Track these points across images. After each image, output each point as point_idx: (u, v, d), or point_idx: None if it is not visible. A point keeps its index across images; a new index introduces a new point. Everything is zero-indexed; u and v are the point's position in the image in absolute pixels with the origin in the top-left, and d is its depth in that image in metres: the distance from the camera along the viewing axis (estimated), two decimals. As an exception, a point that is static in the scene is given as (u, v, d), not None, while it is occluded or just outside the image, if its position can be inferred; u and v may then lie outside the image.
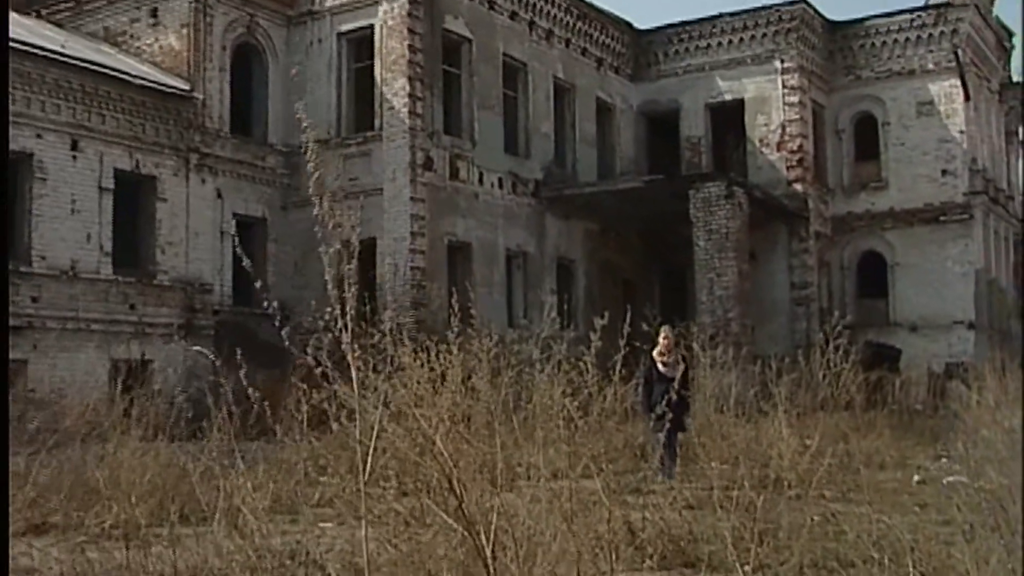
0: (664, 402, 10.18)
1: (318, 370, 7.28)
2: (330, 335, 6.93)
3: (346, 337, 6.66)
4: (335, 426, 7.37)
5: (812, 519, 9.33)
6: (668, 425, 11.23)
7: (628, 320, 9.23)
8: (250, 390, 7.68)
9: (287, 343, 7.26)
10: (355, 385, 6.46)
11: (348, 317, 6.88)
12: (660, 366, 15.11)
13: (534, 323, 17.18)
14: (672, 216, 30.87)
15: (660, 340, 15.26)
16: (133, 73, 25.49)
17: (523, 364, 12.67)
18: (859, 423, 17.57)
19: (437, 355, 8.81)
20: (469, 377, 9.96)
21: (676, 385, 11.31)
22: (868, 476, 13.27)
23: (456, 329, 9.44)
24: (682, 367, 15.05)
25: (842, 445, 14.37)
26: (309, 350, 7.16)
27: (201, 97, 26.92)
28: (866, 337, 33.38)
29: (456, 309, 10.06)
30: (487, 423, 9.31)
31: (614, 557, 6.78)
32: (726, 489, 9.47)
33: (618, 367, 9.42)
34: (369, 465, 7.83)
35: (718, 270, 29.56)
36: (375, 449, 7.37)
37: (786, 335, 33.23)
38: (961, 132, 35.15)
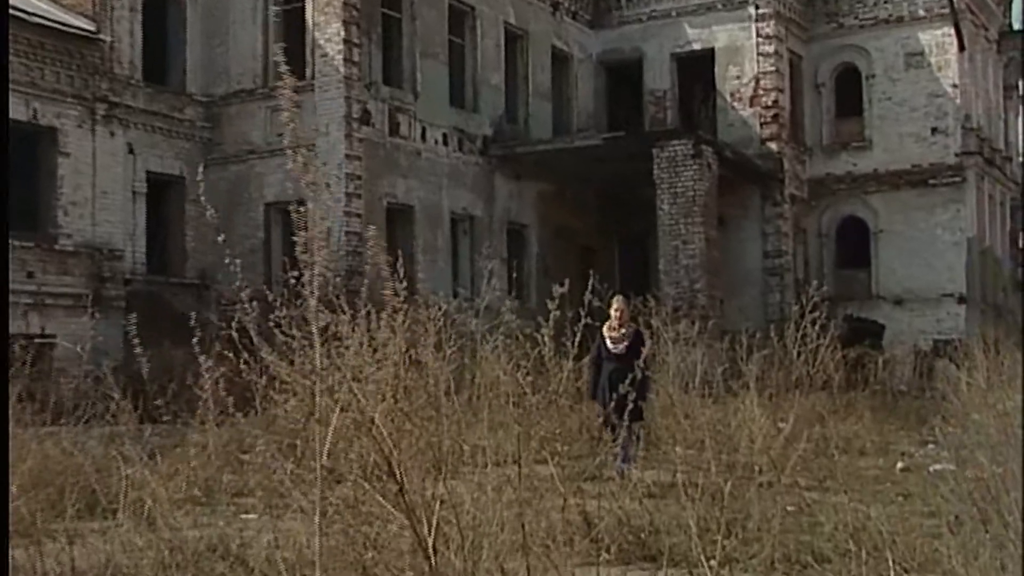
0: (610, 385, 10.20)
1: (242, 344, 7.30)
2: (256, 306, 7.00)
3: (279, 308, 6.77)
4: (261, 405, 7.36)
5: (785, 509, 9.40)
6: (617, 412, 10.94)
7: (589, 289, 9.29)
8: (165, 367, 7.69)
9: (208, 315, 7.26)
10: (314, 359, 6.47)
11: (280, 285, 6.86)
12: (609, 343, 14.50)
13: (482, 293, 17.22)
14: (634, 177, 30.97)
15: (611, 312, 14.54)
16: (29, 11, 25.07)
17: (469, 337, 12.75)
18: (837, 405, 17.75)
19: (375, 326, 8.80)
20: (409, 350, 9.90)
21: (635, 364, 10.94)
22: (847, 463, 13.55)
23: (396, 298, 9.41)
24: (641, 345, 14.05)
25: (818, 429, 14.64)
26: (232, 323, 7.17)
27: (109, 40, 26.58)
28: (846, 311, 33.69)
29: (396, 277, 10.01)
30: (430, 401, 9.18)
31: (568, 549, 6.83)
32: (691, 475, 9.49)
33: (575, 341, 9.37)
34: (300, 448, 7.85)
35: (684, 237, 29.75)
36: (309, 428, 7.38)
37: (758, 308, 33.48)
38: (954, 86, 35.39)
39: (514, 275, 26.63)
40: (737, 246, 33.97)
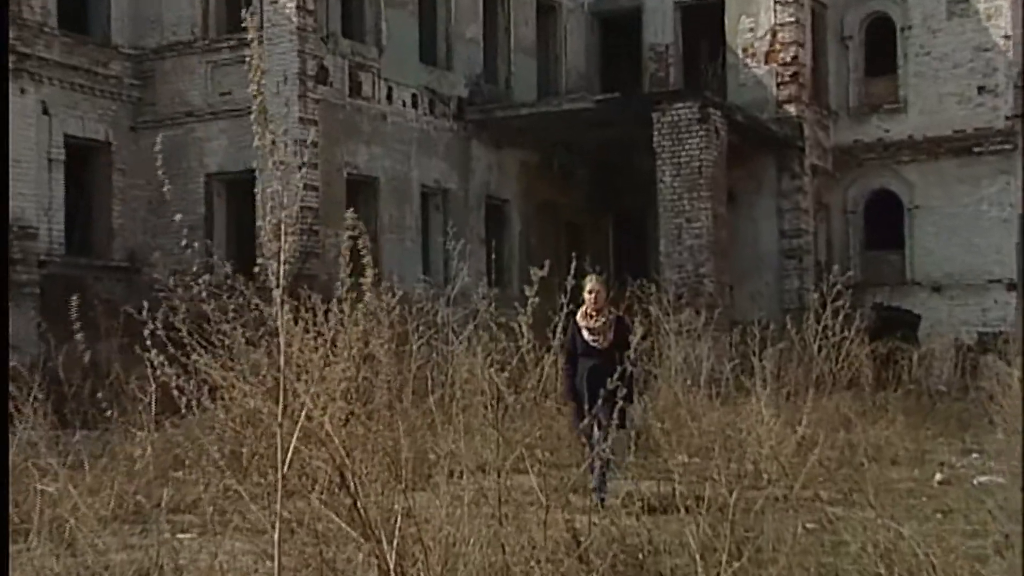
0: (589, 386, 10.15)
1: (179, 338, 7.40)
2: (193, 294, 7.17)
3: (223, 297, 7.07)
4: (200, 409, 7.48)
5: (803, 526, 9.44)
6: (597, 418, 10.49)
7: (572, 272, 9.36)
8: (87, 364, 7.71)
9: (139, 303, 7.37)
10: (284, 353, 6.45)
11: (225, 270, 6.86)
12: (587, 335, 13.64)
13: (455, 278, 17.24)
14: (631, 145, 30.99)
15: (585, 296, 13.59)
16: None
17: (440, 329, 12.87)
18: (865, 407, 17.81)
19: (329, 316, 8.66)
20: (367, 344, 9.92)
21: (621, 359, 10.35)
22: (876, 473, 13.46)
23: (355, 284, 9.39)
24: (627, 336, 13.49)
25: (843, 434, 14.71)
26: (168, 313, 7.38)
27: (19, -19, 26.46)
28: (875, 299, 33.77)
29: (357, 260, 10.02)
30: (392, 402, 9.47)
31: (553, 571, 6.90)
32: (694, 487, 9.51)
33: (559, 332, 9.54)
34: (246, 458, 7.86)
35: (688, 214, 29.69)
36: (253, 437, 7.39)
37: (773, 296, 33.51)
38: (1006, 38, 35.10)
39: (493, 257, 26.61)
40: (749, 225, 33.96)
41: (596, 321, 13.61)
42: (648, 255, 32.74)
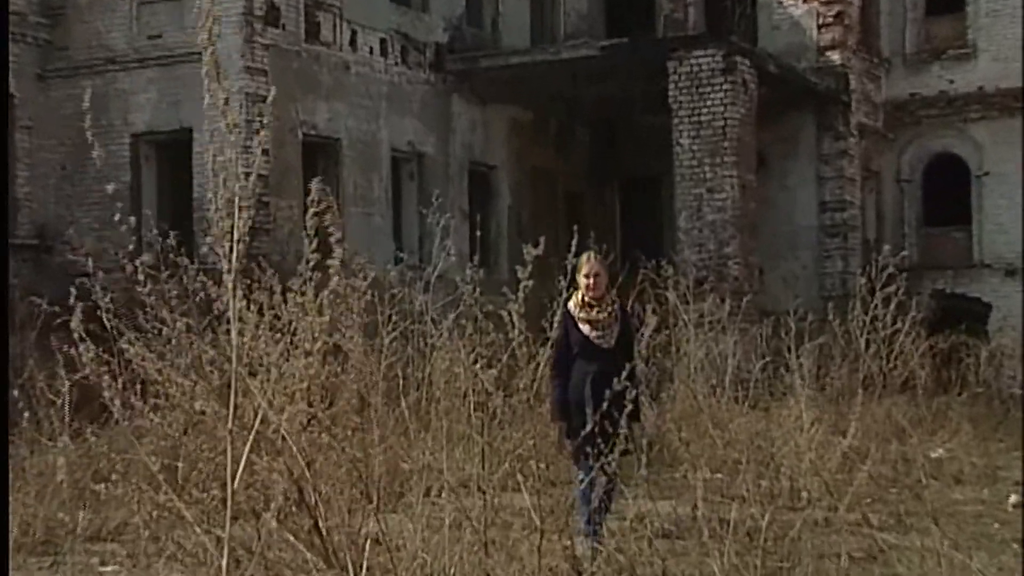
0: (593, 396, 10.04)
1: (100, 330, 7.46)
2: (121, 276, 7.28)
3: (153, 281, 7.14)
4: (127, 412, 7.50)
5: (849, 555, 9.42)
6: (594, 441, 9.72)
7: (572, 250, 9.24)
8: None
9: (51, 289, 7.39)
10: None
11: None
12: (585, 328, 12.15)
13: (434, 258, 17.22)
14: (642, 101, 31.01)
15: (582, 279, 12.08)
16: None
17: (416, 319, 13.09)
18: (923, 413, 17.88)
19: (288, 303, 8.93)
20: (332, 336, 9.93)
21: (626, 362, 9.92)
22: (936, 493, 13.55)
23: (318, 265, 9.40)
24: (633, 333, 12.79)
25: (896, 445, 14.78)
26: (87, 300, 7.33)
27: None
28: (935, 285, 33.83)
29: (316, 237, 10.05)
30: (361, 406, 9.46)
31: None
32: (718, 507, 9.70)
33: (556, 323, 9.48)
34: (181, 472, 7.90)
35: (710, 183, 29.52)
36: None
37: (811, 281, 33.48)
38: (1098, -31, 35.23)
39: (477, 234, 26.55)
40: (783, 196, 33.91)
41: (597, 313, 12.09)
42: (662, 232, 32.77)
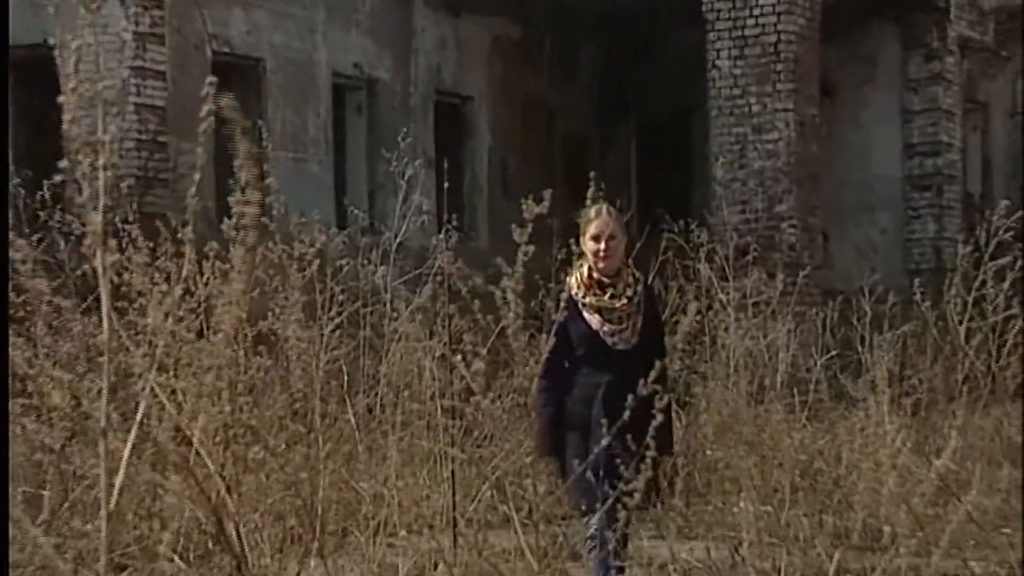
0: (606, 414, 8.04)
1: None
2: None
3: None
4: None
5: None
6: (600, 474, 7.77)
7: (589, 199, 9.27)
8: None
9: None
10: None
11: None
12: (593, 320, 9.71)
13: (395, 220, 16.73)
14: (665, 11, 29.02)
15: (588, 242, 9.69)
16: None
17: (371, 298, 12.77)
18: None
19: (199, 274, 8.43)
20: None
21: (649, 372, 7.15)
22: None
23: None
24: (659, 327, 10.37)
25: (1008, 470, 13.71)
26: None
27: None
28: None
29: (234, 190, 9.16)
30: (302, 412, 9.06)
31: None
32: (769, 550, 9.48)
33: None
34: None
35: (757, 120, 27.31)
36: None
37: (893, 250, 31.16)
38: None
39: (447, 188, 23.97)
40: (857, 136, 31.32)
41: (613, 295, 9.62)
42: (693, 186, 31.08)
